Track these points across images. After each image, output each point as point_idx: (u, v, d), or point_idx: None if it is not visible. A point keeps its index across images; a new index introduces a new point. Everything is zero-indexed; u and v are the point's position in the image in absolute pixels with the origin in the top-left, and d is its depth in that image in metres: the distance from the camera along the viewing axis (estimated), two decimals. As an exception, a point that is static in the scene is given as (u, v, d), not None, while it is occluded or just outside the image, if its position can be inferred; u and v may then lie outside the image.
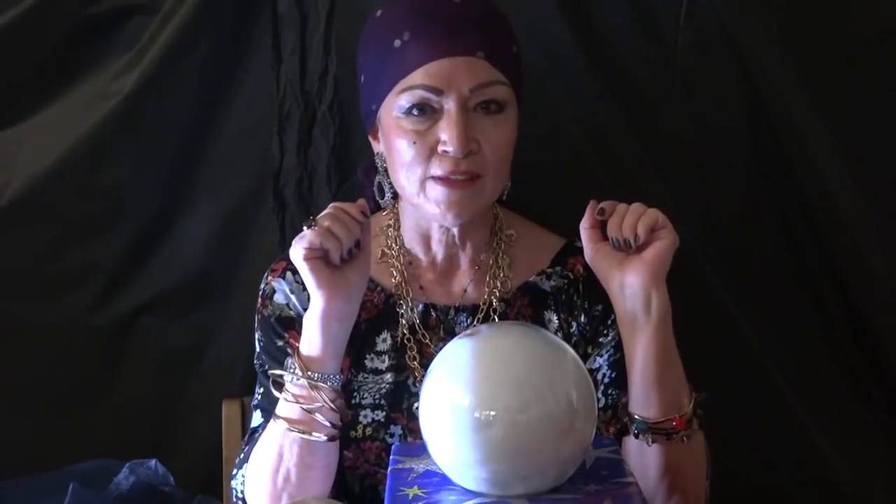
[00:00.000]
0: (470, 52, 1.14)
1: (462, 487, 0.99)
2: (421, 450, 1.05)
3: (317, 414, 1.11)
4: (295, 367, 1.12)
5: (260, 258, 1.54)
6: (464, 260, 1.26)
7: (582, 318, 1.26)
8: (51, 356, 1.54)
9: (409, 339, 1.23)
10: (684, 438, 1.12)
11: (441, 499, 0.98)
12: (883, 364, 1.55)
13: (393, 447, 1.12)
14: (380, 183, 1.25)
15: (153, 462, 1.41)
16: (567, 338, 1.25)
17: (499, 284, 1.25)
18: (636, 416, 1.13)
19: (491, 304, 1.24)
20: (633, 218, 1.12)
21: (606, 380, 1.23)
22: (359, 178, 1.34)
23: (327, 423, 1.12)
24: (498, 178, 1.19)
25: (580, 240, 1.30)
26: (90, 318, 1.55)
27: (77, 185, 1.53)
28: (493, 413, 0.94)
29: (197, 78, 1.53)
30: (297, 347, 1.14)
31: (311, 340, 1.12)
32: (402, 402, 1.21)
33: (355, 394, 1.22)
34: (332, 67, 1.53)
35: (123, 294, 1.57)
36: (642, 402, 1.13)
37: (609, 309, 1.24)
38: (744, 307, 1.53)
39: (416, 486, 1.00)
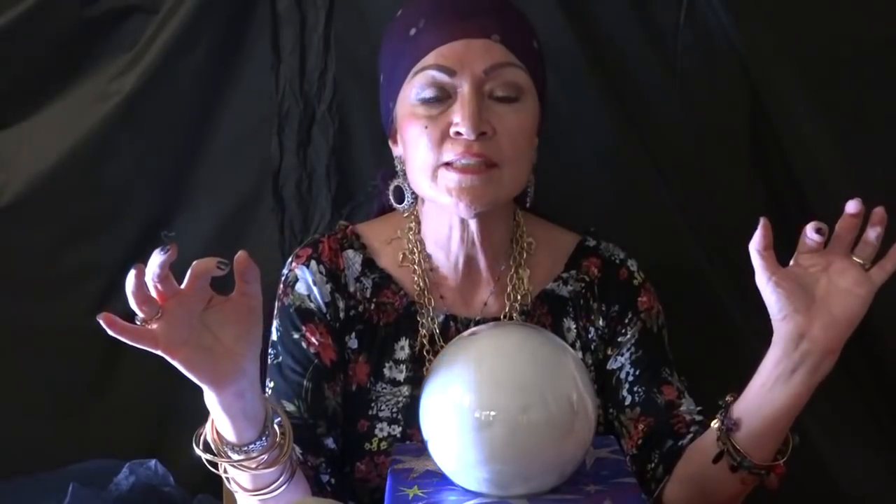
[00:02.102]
0: (485, 34, 1.12)
1: (462, 487, 0.99)
2: (421, 450, 1.05)
3: (263, 472, 1.02)
4: (219, 454, 1.01)
5: (259, 258, 1.50)
6: (483, 266, 1.24)
7: (599, 322, 1.25)
8: (51, 356, 1.54)
9: (427, 351, 1.21)
10: (774, 484, 1.07)
11: (441, 499, 0.98)
12: (883, 364, 1.55)
13: (394, 447, 1.12)
14: (398, 187, 1.23)
15: (153, 462, 1.41)
16: (586, 344, 1.24)
17: (519, 298, 1.23)
18: (745, 454, 1.05)
19: (511, 317, 1.23)
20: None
21: (631, 378, 1.22)
22: (378, 183, 1.33)
23: (276, 479, 1.04)
24: (516, 171, 1.14)
25: (591, 237, 1.30)
26: (90, 318, 1.55)
27: (77, 184, 1.53)
28: (493, 413, 0.94)
29: (197, 78, 1.53)
30: (214, 426, 1.01)
31: (220, 424, 1.01)
32: (418, 417, 1.20)
33: (373, 405, 1.20)
34: (331, 67, 1.53)
35: (123, 294, 1.56)
36: (756, 443, 1.05)
37: (626, 309, 1.25)
38: (744, 307, 1.53)
39: (416, 486, 1.00)
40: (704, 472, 1.09)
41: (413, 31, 1.15)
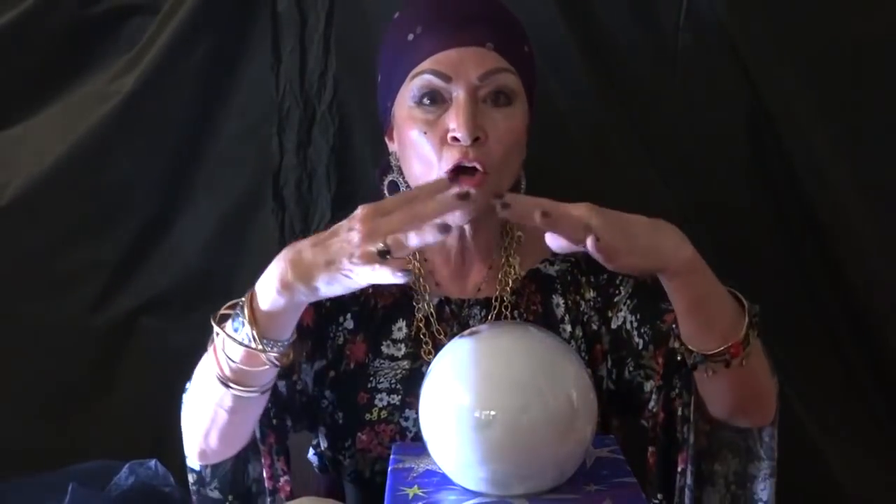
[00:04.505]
0: (479, 42, 1.16)
1: (462, 487, 0.99)
2: (421, 450, 1.05)
3: (260, 370, 1.06)
4: (248, 335, 1.04)
5: (260, 258, 1.52)
6: (476, 257, 1.28)
7: (590, 293, 1.27)
8: (51, 356, 1.54)
9: (423, 333, 1.24)
10: (743, 362, 1.09)
11: (441, 499, 0.98)
12: (883, 364, 1.55)
13: (393, 447, 1.12)
14: (393, 181, 1.26)
15: (153, 462, 1.41)
16: (576, 318, 1.27)
17: (510, 282, 1.27)
18: (692, 349, 1.09)
19: (502, 299, 1.26)
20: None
21: (636, 324, 1.24)
22: (376, 180, 1.34)
23: (266, 381, 1.08)
24: (504, 174, 1.19)
25: None
26: (90, 317, 1.55)
27: (77, 184, 1.53)
28: (493, 413, 0.94)
29: (197, 78, 1.53)
30: (252, 302, 1.04)
31: (273, 316, 1.04)
32: (416, 387, 1.21)
33: (371, 378, 1.23)
34: (331, 67, 1.53)
35: (123, 294, 1.57)
36: (695, 340, 1.09)
37: (614, 275, 1.26)
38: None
39: (416, 486, 1.00)
40: (697, 382, 1.14)
41: (411, 37, 1.18)
